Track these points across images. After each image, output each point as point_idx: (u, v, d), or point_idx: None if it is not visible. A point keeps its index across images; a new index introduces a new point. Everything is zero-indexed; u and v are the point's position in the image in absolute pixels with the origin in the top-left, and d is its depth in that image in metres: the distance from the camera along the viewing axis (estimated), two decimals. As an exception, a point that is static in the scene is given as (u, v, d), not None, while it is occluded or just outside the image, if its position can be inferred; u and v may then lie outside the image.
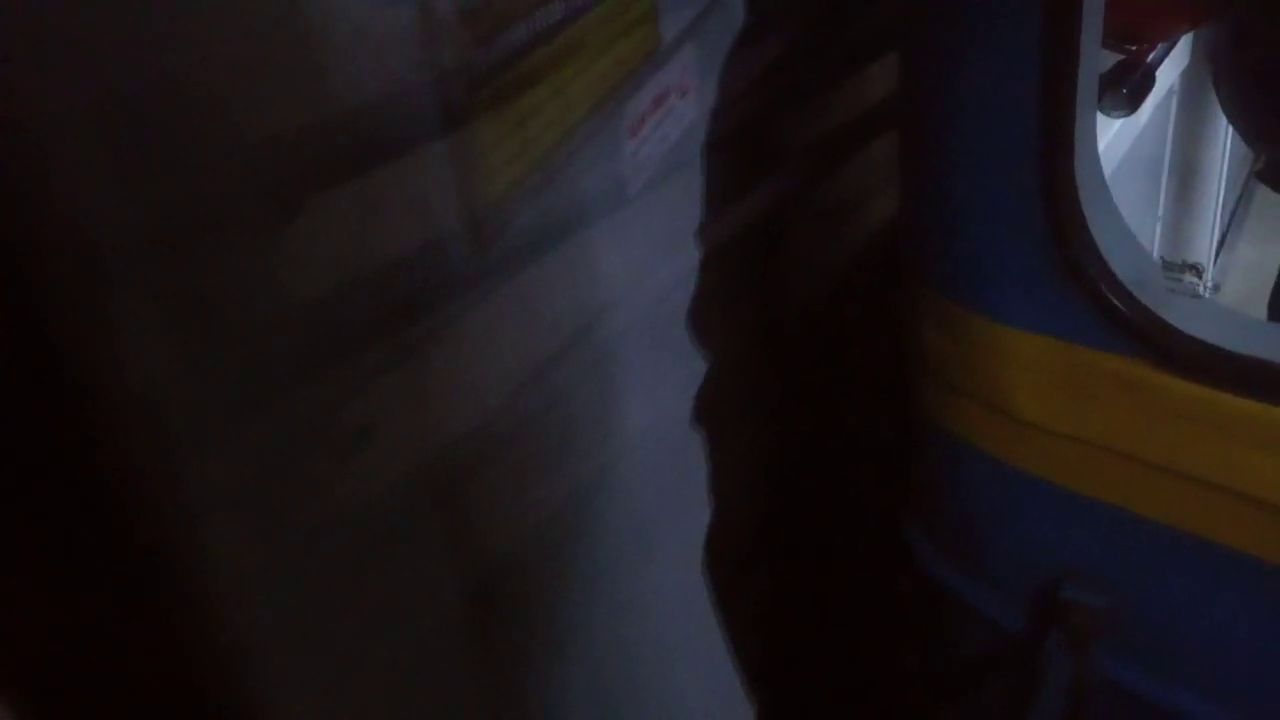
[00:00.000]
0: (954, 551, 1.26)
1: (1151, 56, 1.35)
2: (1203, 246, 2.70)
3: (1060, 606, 1.11)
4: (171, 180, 0.60)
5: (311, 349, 0.72)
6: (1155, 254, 2.51)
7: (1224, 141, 2.56)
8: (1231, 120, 1.42)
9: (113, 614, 0.65)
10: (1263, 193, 2.75)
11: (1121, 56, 1.32)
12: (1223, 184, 2.66)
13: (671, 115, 1.20)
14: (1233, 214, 3.04)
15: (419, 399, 0.85)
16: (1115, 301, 1.00)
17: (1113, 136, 1.80)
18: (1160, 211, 2.59)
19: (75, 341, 0.55)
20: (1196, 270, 1.02)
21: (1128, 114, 1.38)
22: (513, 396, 0.95)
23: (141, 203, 0.59)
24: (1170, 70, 2.23)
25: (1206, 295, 0.98)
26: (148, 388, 0.60)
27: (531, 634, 1.06)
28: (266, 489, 0.72)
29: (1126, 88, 1.30)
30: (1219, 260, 2.92)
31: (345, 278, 0.75)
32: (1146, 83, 1.33)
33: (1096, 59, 1.03)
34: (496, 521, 0.99)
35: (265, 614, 0.75)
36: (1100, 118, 1.39)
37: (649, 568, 1.21)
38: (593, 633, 1.14)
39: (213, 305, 0.64)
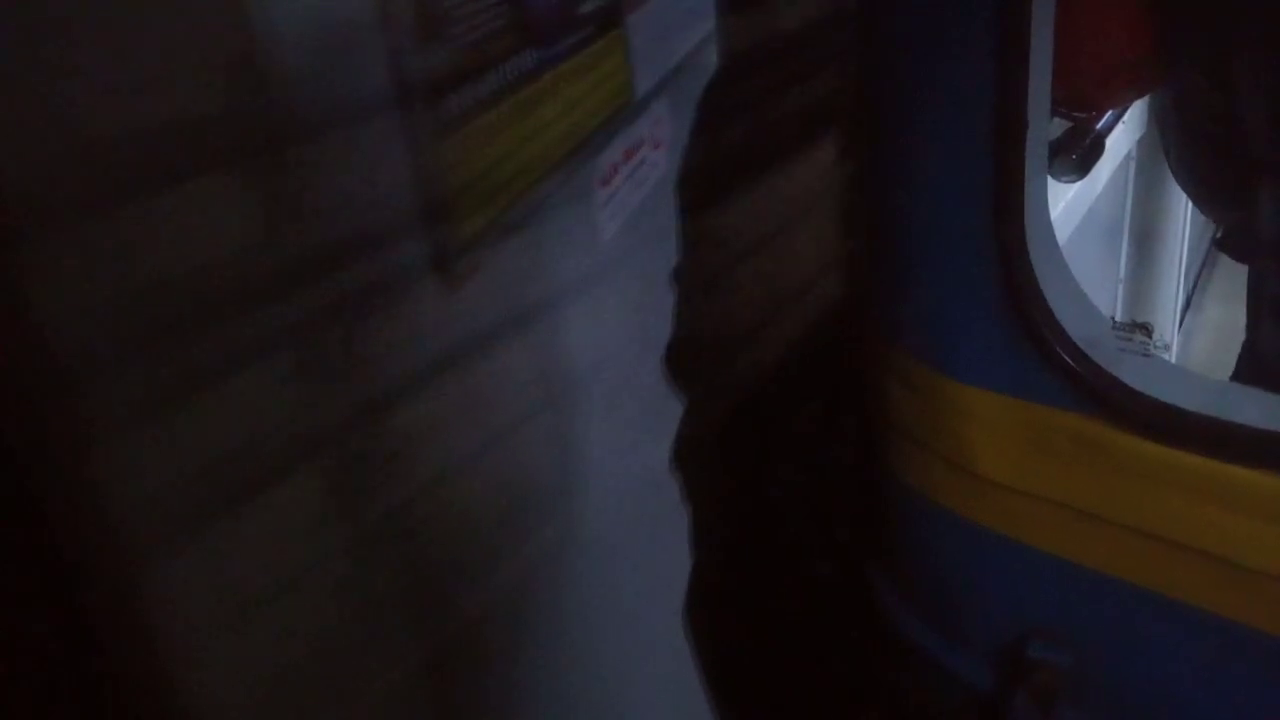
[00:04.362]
0: (920, 608, 1.26)
1: (1101, 123, 1.39)
2: (1165, 309, 2.75)
3: (1026, 665, 1.11)
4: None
5: (272, 403, 0.72)
6: (1118, 316, 2.56)
7: (1184, 207, 2.63)
8: (1183, 188, 1.46)
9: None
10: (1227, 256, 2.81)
11: (1071, 124, 1.37)
12: (1185, 248, 2.73)
13: (644, 166, 1.23)
14: (1198, 276, 3.11)
15: (381, 455, 0.85)
16: (1068, 360, 1.02)
17: (1069, 201, 1.85)
18: (1121, 275, 2.64)
19: None
20: (1147, 330, 1.03)
21: (1078, 179, 1.42)
22: (477, 451, 0.95)
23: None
24: (1127, 137, 2.30)
25: (1158, 354, 1.00)
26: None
27: (496, 697, 1.05)
28: (223, 543, 0.72)
29: (1076, 153, 1.34)
30: (1185, 322, 2.97)
31: (309, 325, 0.76)
32: (1096, 149, 1.38)
33: (1045, 126, 1.07)
34: (459, 582, 0.98)
35: (220, 674, 0.74)
36: (1057, 183, 1.43)
37: (616, 626, 1.20)
38: (558, 693, 1.12)
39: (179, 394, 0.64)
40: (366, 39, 0.77)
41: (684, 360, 1.27)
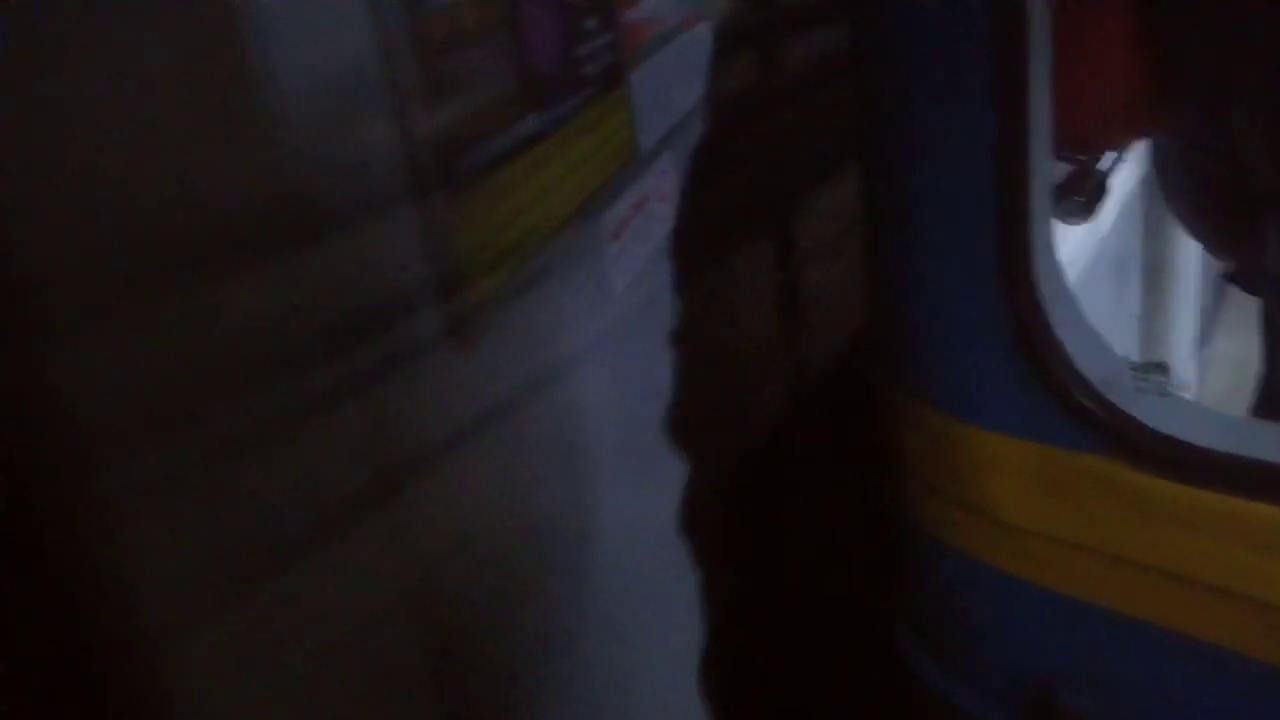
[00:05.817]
0: (942, 654, 1.24)
1: (1105, 165, 1.40)
2: (1181, 345, 2.74)
3: (1053, 713, 1.09)
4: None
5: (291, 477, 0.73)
6: (1136, 355, 2.55)
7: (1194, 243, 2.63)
8: (1187, 230, 1.46)
9: None
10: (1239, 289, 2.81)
11: (1074, 166, 1.38)
12: (1196, 283, 2.72)
13: (652, 220, 1.25)
14: (1211, 311, 3.09)
15: (402, 522, 0.85)
16: (1084, 401, 1.02)
17: (1078, 240, 1.86)
18: (1135, 312, 2.64)
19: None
20: (1163, 368, 1.03)
21: (1083, 221, 1.42)
22: (493, 510, 0.95)
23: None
24: (1131, 176, 2.31)
25: (1175, 393, 1.00)
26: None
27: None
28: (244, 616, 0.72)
29: (1081, 196, 1.35)
30: (1200, 357, 2.95)
31: (333, 396, 0.76)
32: (1100, 190, 1.38)
33: (1047, 169, 1.07)
34: (479, 643, 0.98)
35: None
36: (1064, 224, 1.43)
37: (630, 681, 1.19)
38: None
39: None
40: (375, 107, 0.79)
41: (696, 413, 1.27)
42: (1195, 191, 1.32)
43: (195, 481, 0.65)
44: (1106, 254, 2.21)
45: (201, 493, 0.65)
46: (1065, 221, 1.38)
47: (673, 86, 1.30)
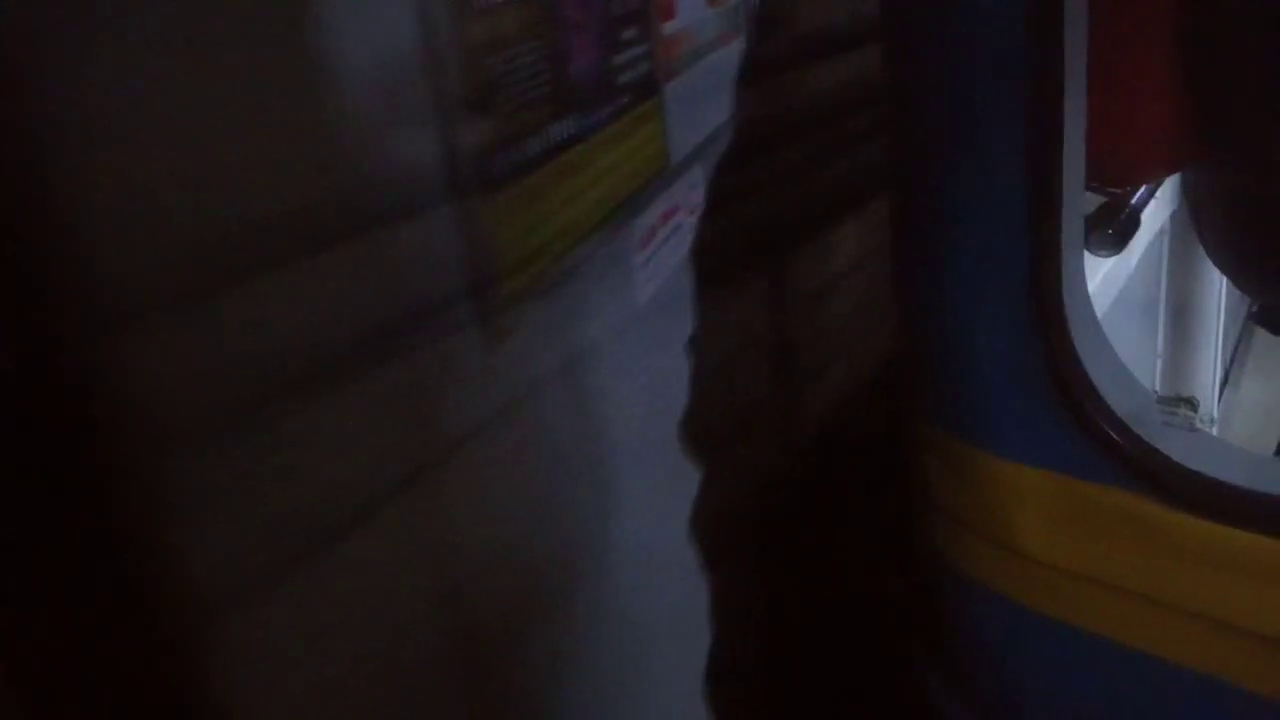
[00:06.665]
0: (968, 693, 1.22)
1: (1136, 198, 1.40)
2: (1204, 383, 2.71)
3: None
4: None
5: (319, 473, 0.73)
6: (1156, 390, 2.52)
7: (1220, 281, 2.61)
8: (1219, 266, 1.45)
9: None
10: (1265, 330, 2.78)
11: (1106, 199, 1.37)
12: (1221, 322, 2.69)
13: (680, 230, 1.25)
14: (1235, 351, 3.06)
15: (432, 525, 0.84)
16: (1112, 435, 1.01)
17: (1105, 276, 1.85)
18: (1159, 349, 2.61)
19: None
20: (1192, 404, 1.02)
21: (1114, 254, 1.42)
22: (514, 512, 0.95)
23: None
24: (1160, 211, 2.29)
25: (1203, 429, 0.98)
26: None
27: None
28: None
29: (1112, 228, 1.34)
30: (1223, 398, 2.92)
31: (373, 393, 0.76)
32: (1132, 223, 1.38)
33: (1080, 201, 1.07)
34: (505, 643, 0.97)
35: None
36: (1092, 258, 1.43)
37: (648, 695, 1.18)
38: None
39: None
40: (417, 106, 0.79)
41: (718, 424, 1.27)
42: (1229, 224, 1.31)
43: (239, 473, 0.65)
44: (1132, 291, 2.19)
45: (241, 485, 0.65)
46: (1096, 253, 1.37)
47: (706, 100, 1.30)
